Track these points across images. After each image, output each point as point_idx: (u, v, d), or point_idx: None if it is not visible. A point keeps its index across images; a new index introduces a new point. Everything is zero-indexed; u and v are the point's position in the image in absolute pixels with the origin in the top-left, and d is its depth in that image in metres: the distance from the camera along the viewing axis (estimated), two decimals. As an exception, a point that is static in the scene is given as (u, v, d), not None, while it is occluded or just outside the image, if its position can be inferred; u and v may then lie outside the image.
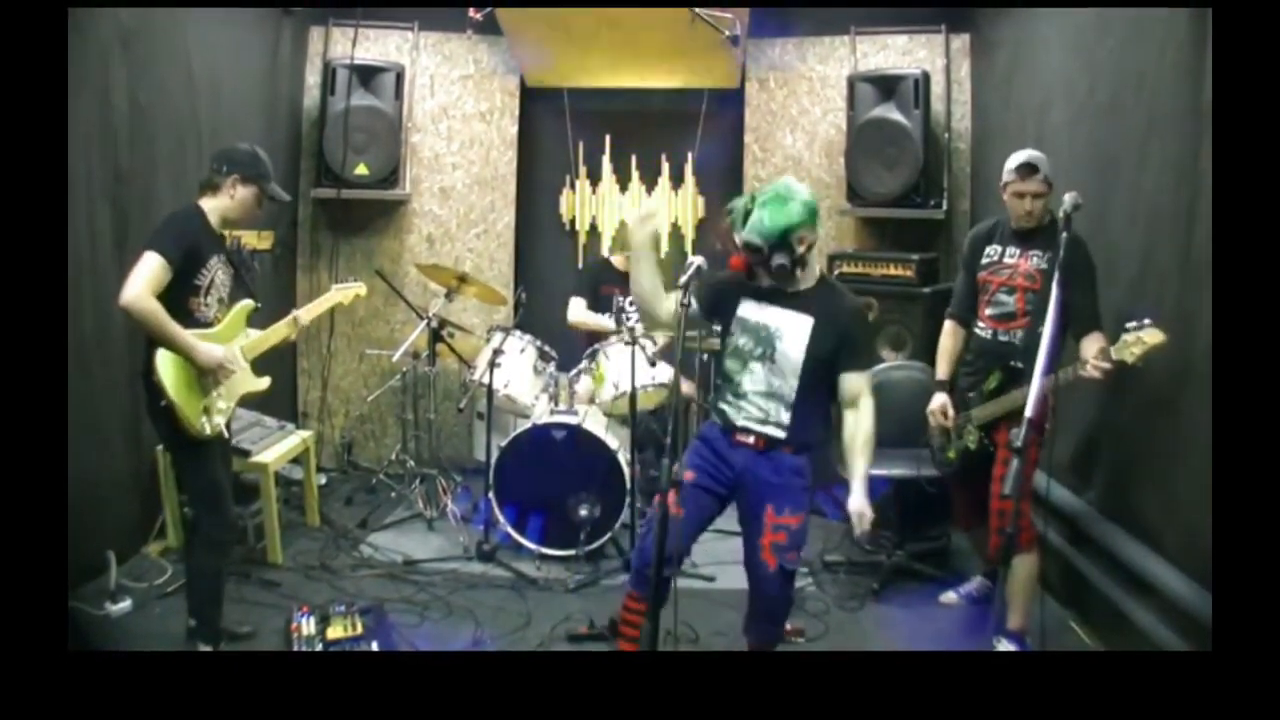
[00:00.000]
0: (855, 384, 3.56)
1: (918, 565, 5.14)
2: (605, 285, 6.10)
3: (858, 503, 3.49)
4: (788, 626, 4.01)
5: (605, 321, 5.94)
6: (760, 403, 3.54)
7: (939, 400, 4.40)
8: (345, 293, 4.85)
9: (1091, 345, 3.83)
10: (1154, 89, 4.00)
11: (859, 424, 3.55)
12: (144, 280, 3.58)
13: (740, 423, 3.57)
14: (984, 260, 4.29)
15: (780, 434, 3.52)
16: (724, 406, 3.63)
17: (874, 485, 5.00)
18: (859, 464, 3.53)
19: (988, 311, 4.25)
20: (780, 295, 3.53)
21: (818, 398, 3.57)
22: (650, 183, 7.19)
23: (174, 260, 3.64)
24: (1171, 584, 3.63)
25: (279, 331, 4.26)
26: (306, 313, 4.45)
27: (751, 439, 3.54)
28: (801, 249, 3.43)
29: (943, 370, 4.48)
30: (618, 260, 6.20)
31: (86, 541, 4.41)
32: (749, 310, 3.57)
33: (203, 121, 5.46)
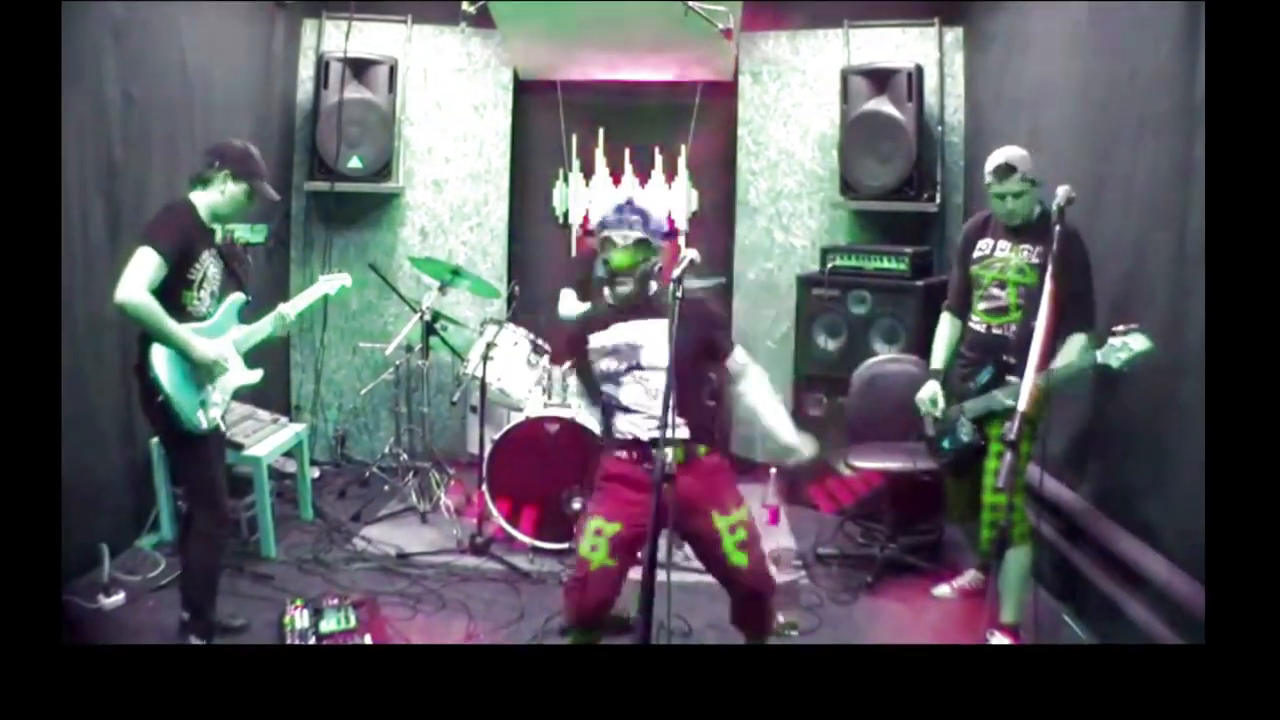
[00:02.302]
0: (735, 366, 3.72)
1: (911, 558, 5.15)
2: (598, 276, 6.07)
3: (793, 443, 3.73)
4: (780, 619, 4.03)
5: None
6: (649, 409, 3.58)
7: (930, 388, 4.41)
8: (332, 283, 4.86)
9: (1073, 347, 3.87)
10: (1147, 82, 4.00)
11: (753, 392, 3.74)
12: (139, 276, 3.58)
13: (646, 436, 3.59)
14: (976, 254, 4.30)
15: (685, 432, 3.51)
16: (623, 431, 3.66)
17: (867, 479, 5.09)
18: (773, 411, 3.77)
19: (980, 306, 4.26)
20: (624, 312, 3.67)
21: (697, 388, 3.64)
22: (643, 176, 7.18)
23: (168, 255, 3.64)
24: (1165, 577, 3.63)
25: (264, 328, 4.24)
26: (292, 306, 4.43)
27: (670, 451, 3.40)
28: (648, 279, 3.66)
29: (936, 360, 4.49)
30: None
31: (80, 535, 4.41)
32: (604, 337, 3.70)
33: (195, 114, 5.45)
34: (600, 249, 3.68)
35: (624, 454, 3.64)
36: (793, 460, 3.75)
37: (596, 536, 3.51)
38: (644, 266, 3.60)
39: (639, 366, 3.61)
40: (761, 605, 3.69)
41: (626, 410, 3.64)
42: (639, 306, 3.64)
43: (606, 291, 3.70)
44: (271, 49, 6.47)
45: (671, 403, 3.42)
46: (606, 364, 3.66)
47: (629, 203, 3.68)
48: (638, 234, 3.58)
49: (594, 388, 3.80)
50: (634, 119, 7.19)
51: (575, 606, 3.58)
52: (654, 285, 3.67)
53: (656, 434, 3.50)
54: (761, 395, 3.75)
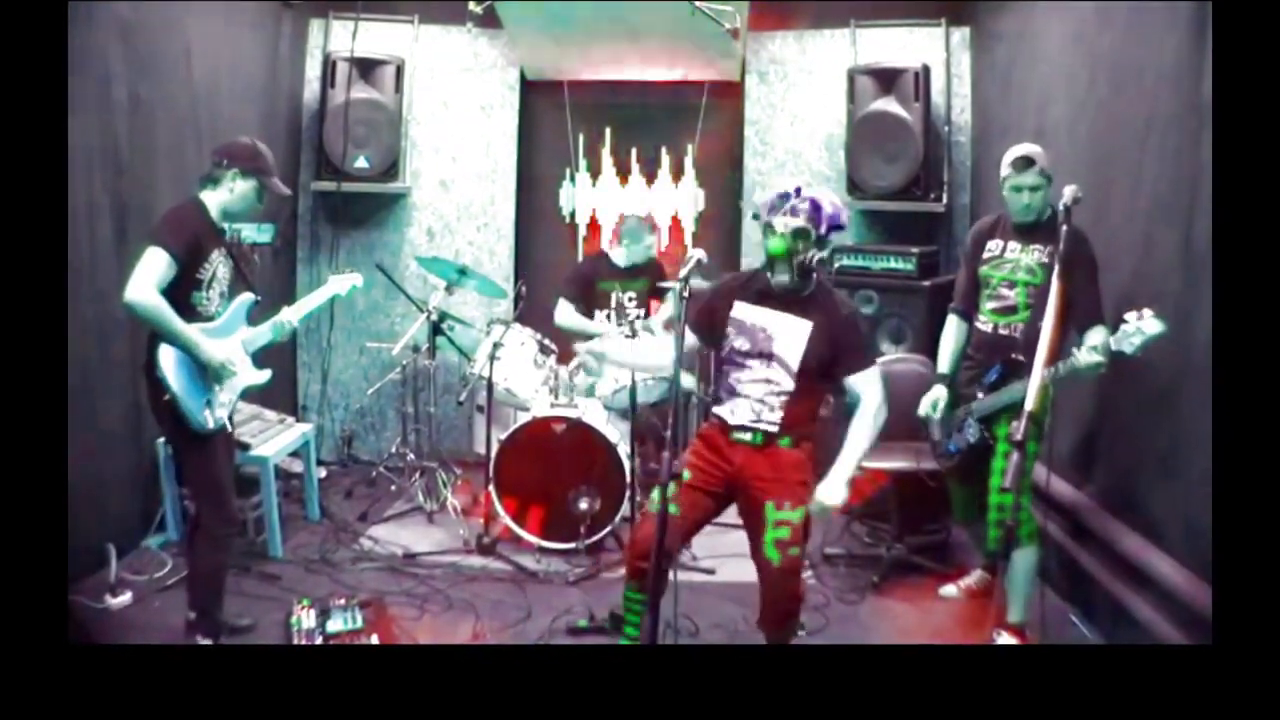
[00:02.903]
0: (858, 385, 3.62)
1: (917, 558, 5.14)
2: (604, 279, 6.07)
3: (823, 487, 3.54)
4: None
5: (593, 326, 5.93)
6: (755, 402, 3.62)
7: (933, 394, 4.40)
8: (343, 283, 4.86)
9: (1094, 339, 3.83)
10: (1154, 82, 3.99)
11: (857, 419, 3.61)
12: (148, 276, 3.59)
13: (735, 421, 3.65)
14: (985, 255, 4.29)
15: (775, 429, 3.59)
16: (721, 408, 3.72)
17: (873, 479, 5.07)
18: (844, 451, 3.58)
19: (989, 305, 4.25)
20: (775, 297, 3.61)
21: (811, 395, 3.64)
22: (650, 176, 7.18)
23: (178, 255, 3.65)
24: (1172, 577, 3.63)
25: (265, 333, 4.23)
26: (295, 311, 4.43)
27: (748, 435, 3.60)
28: (807, 271, 3.55)
29: (943, 364, 4.48)
30: (616, 254, 6.16)
31: (86, 535, 4.42)
32: (743, 312, 3.67)
33: (202, 115, 5.45)
34: (762, 234, 3.62)
35: (716, 422, 3.73)
36: (814, 506, 3.57)
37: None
38: (800, 257, 3.50)
39: (768, 358, 3.60)
40: (781, 611, 3.68)
41: (734, 394, 3.67)
42: (785, 297, 3.59)
43: (767, 274, 3.62)
44: (278, 49, 6.48)
45: (767, 392, 3.59)
46: (740, 342, 3.65)
47: (796, 191, 3.57)
48: (798, 222, 3.50)
49: (710, 343, 3.79)
50: (641, 119, 7.18)
51: (629, 544, 3.71)
52: (813, 279, 3.60)
53: (742, 420, 3.64)
54: (853, 430, 3.61)
